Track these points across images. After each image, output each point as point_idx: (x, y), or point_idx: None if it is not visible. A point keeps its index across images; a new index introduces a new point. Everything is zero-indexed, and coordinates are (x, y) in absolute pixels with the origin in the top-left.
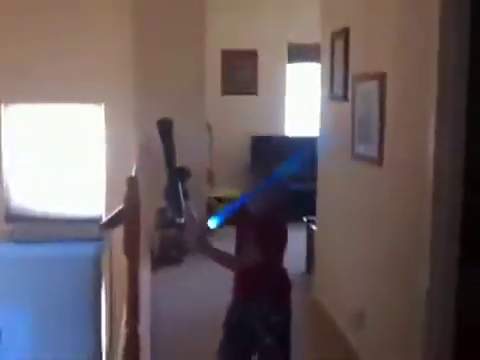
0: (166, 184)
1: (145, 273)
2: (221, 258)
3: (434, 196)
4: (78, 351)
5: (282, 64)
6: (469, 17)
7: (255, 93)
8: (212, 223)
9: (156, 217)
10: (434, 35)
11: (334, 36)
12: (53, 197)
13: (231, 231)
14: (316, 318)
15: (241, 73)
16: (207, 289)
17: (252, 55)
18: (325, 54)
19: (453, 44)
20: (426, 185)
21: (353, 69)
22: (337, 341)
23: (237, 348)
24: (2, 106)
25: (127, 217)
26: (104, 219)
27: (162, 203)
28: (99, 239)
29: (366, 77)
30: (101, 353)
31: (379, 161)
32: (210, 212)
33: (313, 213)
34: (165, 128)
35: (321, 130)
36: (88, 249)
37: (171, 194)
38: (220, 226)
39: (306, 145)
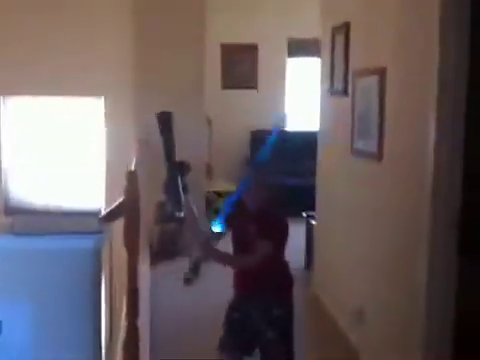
0: (165, 178)
1: (144, 267)
2: (228, 259)
3: (433, 191)
4: (77, 343)
5: (282, 58)
6: (469, 17)
7: (255, 87)
8: (216, 227)
9: (155, 211)
10: (434, 35)
11: (334, 31)
12: (53, 190)
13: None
14: (315, 314)
15: (241, 67)
16: (206, 283)
17: (252, 49)
18: (325, 49)
19: (453, 44)
20: (425, 180)
21: (353, 64)
22: (337, 337)
23: (239, 343)
24: (2, 99)
25: (127, 210)
26: (104, 212)
27: (161, 197)
28: (99, 232)
29: (366, 72)
30: (101, 345)
31: (379, 156)
32: (209, 206)
33: (312, 208)
34: (165, 121)
35: (321, 125)
36: (88, 242)
37: (170, 188)
38: (224, 229)
39: (277, 136)
